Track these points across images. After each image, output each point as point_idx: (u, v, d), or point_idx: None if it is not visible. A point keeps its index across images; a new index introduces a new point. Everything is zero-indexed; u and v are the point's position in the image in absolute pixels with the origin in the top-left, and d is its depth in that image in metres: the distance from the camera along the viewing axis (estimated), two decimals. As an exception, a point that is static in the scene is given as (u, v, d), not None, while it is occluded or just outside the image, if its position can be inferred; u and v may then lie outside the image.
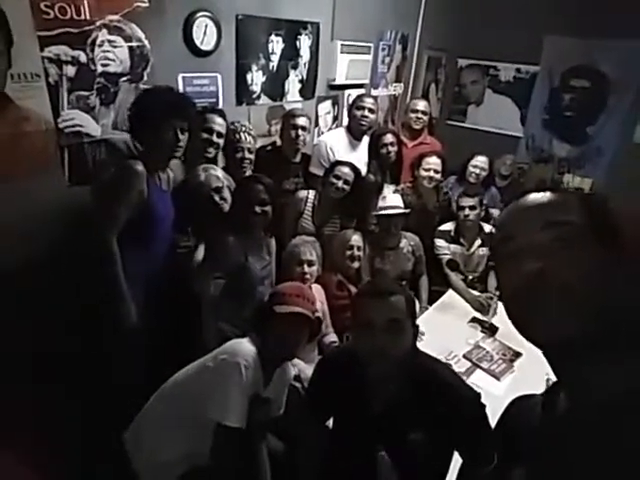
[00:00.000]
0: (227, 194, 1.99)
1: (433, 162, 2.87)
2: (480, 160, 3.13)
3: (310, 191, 2.55)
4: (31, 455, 1.48)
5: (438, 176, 2.90)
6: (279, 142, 2.68)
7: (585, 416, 0.54)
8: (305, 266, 2.12)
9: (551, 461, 0.57)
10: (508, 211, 0.64)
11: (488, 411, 1.18)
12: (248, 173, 2.24)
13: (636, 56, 3.51)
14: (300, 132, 2.49)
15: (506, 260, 0.60)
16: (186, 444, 1.45)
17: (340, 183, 2.42)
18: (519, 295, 0.57)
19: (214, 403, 1.36)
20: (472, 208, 2.68)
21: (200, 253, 1.94)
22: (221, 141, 2.11)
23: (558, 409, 0.60)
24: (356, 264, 2.34)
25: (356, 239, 2.34)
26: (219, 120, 2.08)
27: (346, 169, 2.45)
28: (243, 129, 2.21)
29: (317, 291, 2.15)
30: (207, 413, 1.35)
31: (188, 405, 1.43)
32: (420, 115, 3.34)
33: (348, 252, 2.31)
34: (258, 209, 1.89)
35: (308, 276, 2.12)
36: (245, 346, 1.45)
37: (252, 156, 2.27)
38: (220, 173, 2.02)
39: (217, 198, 1.95)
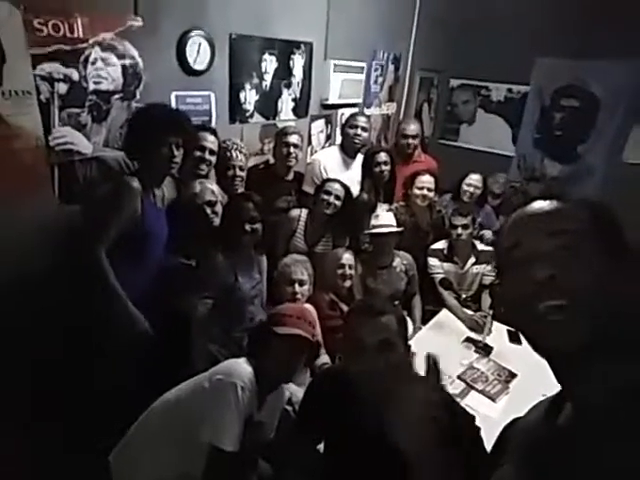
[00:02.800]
0: (220, 209, 1.98)
1: (426, 180, 2.88)
2: (474, 178, 3.13)
3: (303, 210, 2.54)
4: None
5: (431, 194, 2.90)
6: (272, 160, 2.69)
7: (590, 420, 0.53)
8: (296, 286, 2.10)
9: (556, 470, 0.56)
10: (514, 218, 0.64)
11: (483, 433, 1.15)
12: (240, 191, 2.24)
13: (624, 76, 3.57)
14: (292, 149, 2.50)
15: (513, 267, 0.60)
16: (177, 465, 1.39)
17: (331, 198, 2.42)
18: (526, 302, 0.56)
19: (208, 424, 1.31)
20: (465, 227, 2.66)
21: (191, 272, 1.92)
22: (213, 158, 2.12)
23: (562, 417, 0.59)
24: (348, 283, 2.32)
25: (347, 257, 2.33)
26: (211, 138, 2.09)
27: (336, 185, 2.46)
28: (235, 147, 2.22)
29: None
30: (201, 434, 1.30)
31: (181, 425, 1.39)
32: (410, 141, 3.32)
33: (339, 271, 2.29)
34: (248, 227, 1.87)
35: (299, 296, 2.10)
36: (242, 367, 1.40)
37: (243, 174, 2.28)
38: (215, 188, 2.01)
39: (209, 211, 1.94)
